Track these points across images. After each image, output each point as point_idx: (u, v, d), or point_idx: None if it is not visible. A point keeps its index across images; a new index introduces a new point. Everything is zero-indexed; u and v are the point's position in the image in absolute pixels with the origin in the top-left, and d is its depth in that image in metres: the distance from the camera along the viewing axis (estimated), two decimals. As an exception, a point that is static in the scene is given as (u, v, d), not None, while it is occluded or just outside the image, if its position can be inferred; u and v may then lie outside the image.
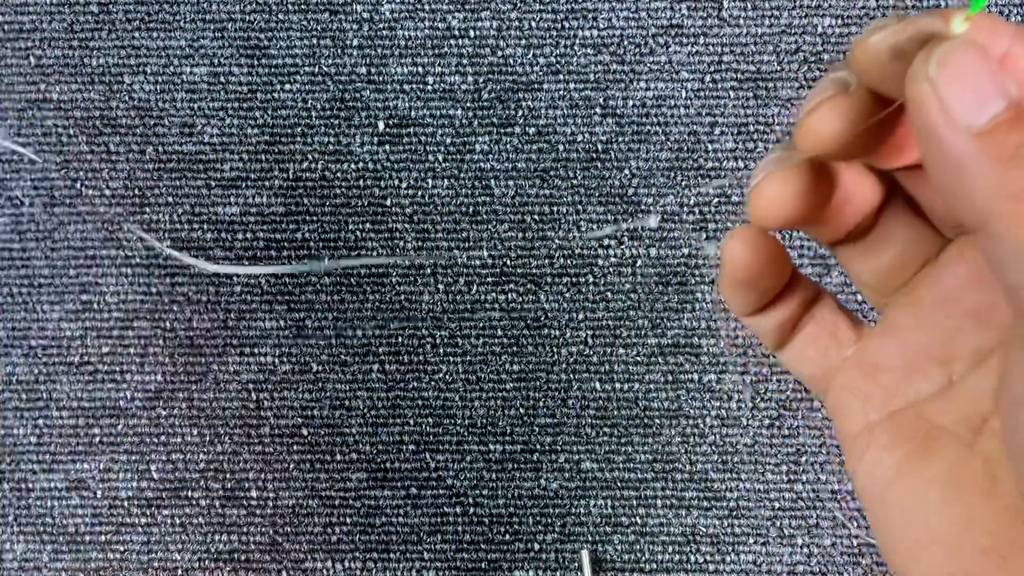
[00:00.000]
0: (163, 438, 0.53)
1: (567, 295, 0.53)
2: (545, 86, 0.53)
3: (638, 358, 0.53)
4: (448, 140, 0.53)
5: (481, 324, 0.53)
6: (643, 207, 0.53)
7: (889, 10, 0.52)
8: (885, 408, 0.26)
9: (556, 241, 0.53)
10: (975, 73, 0.21)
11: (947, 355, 0.26)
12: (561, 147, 0.53)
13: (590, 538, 0.53)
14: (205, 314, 0.53)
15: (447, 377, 0.53)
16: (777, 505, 0.52)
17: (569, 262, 0.53)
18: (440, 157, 0.53)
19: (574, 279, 0.53)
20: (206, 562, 0.53)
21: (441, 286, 0.53)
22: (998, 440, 0.23)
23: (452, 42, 0.53)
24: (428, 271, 0.53)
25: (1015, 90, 0.21)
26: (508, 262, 0.53)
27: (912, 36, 0.22)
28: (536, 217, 0.53)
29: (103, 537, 0.53)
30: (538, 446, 0.53)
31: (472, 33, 0.53)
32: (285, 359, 0.53)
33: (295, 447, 0.53)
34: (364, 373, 0.53)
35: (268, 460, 0.53)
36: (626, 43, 0.53)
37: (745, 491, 0.52)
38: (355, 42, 0.53)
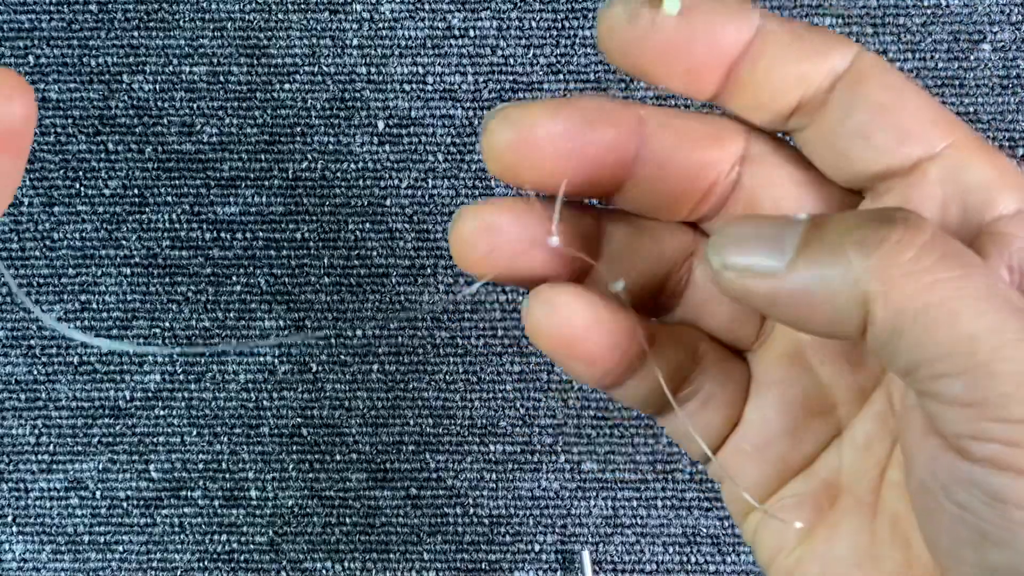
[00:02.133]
0: (162, 438, 0.53)
1: (567, 295, 0.53)
2: (545, 86, 0.53)
3: (638, 358, 0.53)
4: (448, 140, 0.53)
5: (481, 324, 0.53)
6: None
7: (889, 10, 0.52)
8: (778, 481, 0.24)
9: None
10: (751, 228, 0.20)
11: (827, 403, 0.23)
12: (561, 147, 0.53)
13: (590, 538, 0.53)
14: (204, 314, 0.53)
15: (447, 377, 0.53)
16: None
17: (569, 262, 0.53)
18: (440, 157, 0.53)
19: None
20: (205, 562, 0.53)
21: (441, 286, 0.53)
22: (902, 492, 0.21)
23: (452, 42, 0.53)
24: (428, 271, 0.53)
25: (804, 214, 0.20)
26: (508, 262, 0.53)
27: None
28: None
29: (102, 537, 0.53)
30: (538, 446, 0.53)
31: (472, 33, 0.53)
32: (285, 359, 0.53)
33: (295, 447, 0.53)
34: (364, 373, 0.53)
35: (267, 460, 0.53)
36: (626, 43, 0.53)
37: (745, 491, 0.53)
38: (355, 42, 0.53)
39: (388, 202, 0.53)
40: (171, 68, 0.53)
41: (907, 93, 0.21)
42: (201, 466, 0.53)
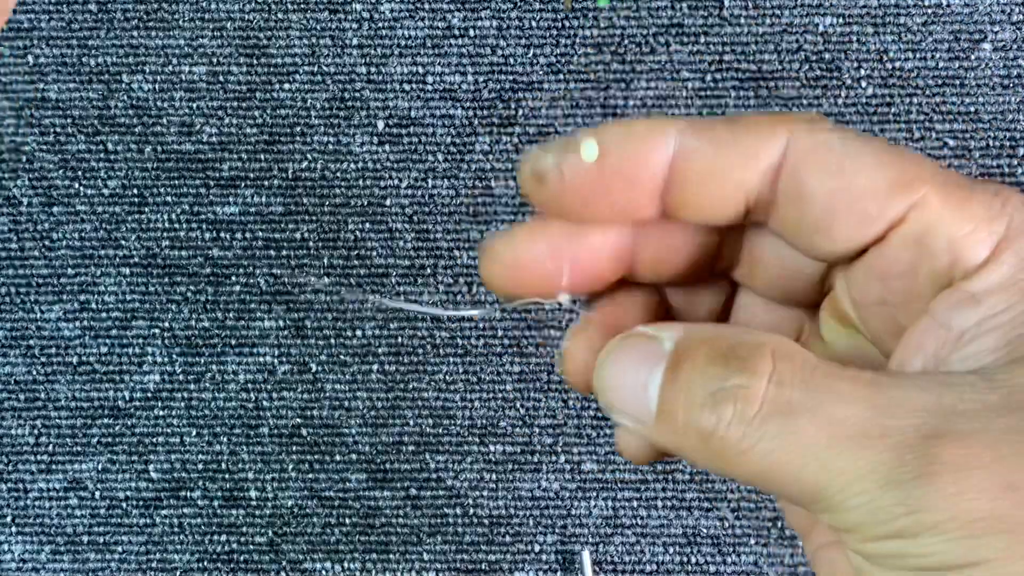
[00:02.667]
0: (161, 438, 0.53)
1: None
2: (545, 86, 0.53)
3: (639, 358, 0.53)
4: (448, 140, 0.53)
5: (481, 324, 0.53)
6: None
7: (890, 9, 0.52)
8: None
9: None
10: (621, 372, 0.21)
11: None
12: (561, 147, 0.53)
13: (591, 539, 0.53)
14: (203, 314, 0.53)
15: (447, 377, 0.53)
16: (778, 506, 0.52)
17: (569, 262, 0.53)
18: (440, 157, 0.53)
19: (574, 279, 0.53)
20: (204, 563, 0.53)
21: (441, 286, 0.53)
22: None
23: (452, 42, 0.53)
24: (428, 271, 0.53)
25: (669, 340, 0.21)
26: (508, 262, 0.53)
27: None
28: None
29: (101, 538, 0.53)
30: (538, 446, 0.53)
31: (472, 33, 0.53)
32: (284, 359, 0.53)
33: (294, 447, 0.53)
34: (364, 373, 0.53)
35: (267, 460, 0.53)
36: (627, 42, 0.53)
37: (746, 492, 0.52)
38: (355, 41, 0.53)
39: (388, 202, 0.53)
40: (171, 68, 0.53)
41: (854, 165, 0.21)
42: (200, 466, 0.53)
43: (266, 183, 0.53)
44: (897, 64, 0.52)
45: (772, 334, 0.20)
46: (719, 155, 0.21)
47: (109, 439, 0.53)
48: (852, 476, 0.18)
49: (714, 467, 0.20)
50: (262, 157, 0.53)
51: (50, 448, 0.53)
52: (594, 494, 0.53)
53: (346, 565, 0.53)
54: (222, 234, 0.53)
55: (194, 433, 0.53)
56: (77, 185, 0.53)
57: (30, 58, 0.54)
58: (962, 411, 0.18)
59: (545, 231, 0.23)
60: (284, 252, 0.53)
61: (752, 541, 0.52)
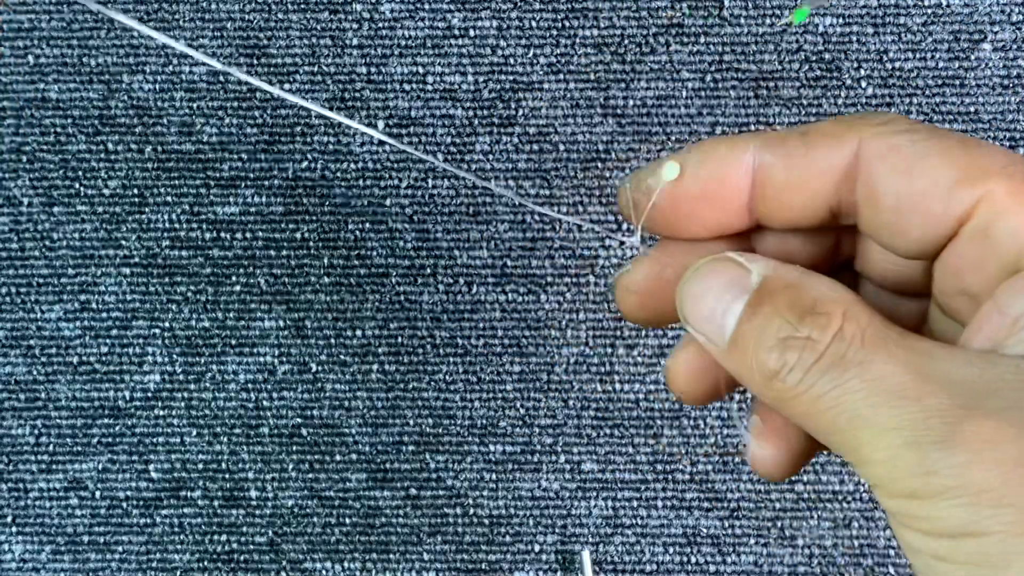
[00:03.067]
0: (162, 438, 0.53)
1: (567, 295, 0.53)
2: (545, 86, 0.53)
3: (639, 358, 0.53)
4: (448, 140, 0.53)
5: (481, 324, 0.53)
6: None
7: (890, 10, 0.52)
8: None
9: (556, 241, 0.53)
10: (706, 292, 0.23)
11: None
12: (561, 147, 0.53)
13: (591, 539, 0.53)
14: (204, 314, 0.53)
15: (447, 377, 0.53)
16: (778, 506, 0.52)
17: (569, 262, 0.53)
18: (440, 157, 0.53)
19: (574, 279, 0.53)
20: (205, 562, 0.53)
21: (441, 286, 0.53)
22: None
23: (452, 42, 0.53)
24: (428, 271, 0.53)
25: (757, 274, 0.22)
26: (508, 262, 0.53)
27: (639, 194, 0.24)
28: (536, 217, 0.53)
29: (102, 538, 0.53)
30: (538, 447, 0.53)
31: (472, 33, 0.53)
32: (284, 359, 0.53)
33: (294, 447, 0.53)
34: (364, 373, 0.53)
35: (267, 460, 0.53)
36: (627, 42, 0.53)
37: (746, 492, 0.52)
38: (355, 42, 0.53)
39: (388, 202, 0.53)
40: (171, 68, 0.53)
41: (921, 164, 0.22)
42: (201, 466, 0.53)
43: (266, 183, 0.53)
44: (897, 64, 0.52)
45: (849, 293, 0.21)
46: (794, 168, 0.23)
47: (109, 439, 0.53)
48: (880, 430, 0.19)
49: (769, 402, 0.22)
50: (262, 157, 0.53)
51: (50, 448, 0.53)
52: (594, 494, 0.53)
53: (346, 565, 0.53)
54: (222, 234, 0.53)
55: (194, 433, 0.53)
56: (77, 185, 0.53)
57: (30, 58, 0.54)
58: (997, 389, 0.19)
59: (664, 256, 0.25)
60: (284, 252, 0.53)
61: (752, 541, 0.52)
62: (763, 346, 0.21)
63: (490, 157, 0.53)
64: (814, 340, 0.20)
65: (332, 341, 0.53)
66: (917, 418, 0.19)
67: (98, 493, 0.53)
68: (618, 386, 0.53)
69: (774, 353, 0.21)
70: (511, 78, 0.53)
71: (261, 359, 0.53)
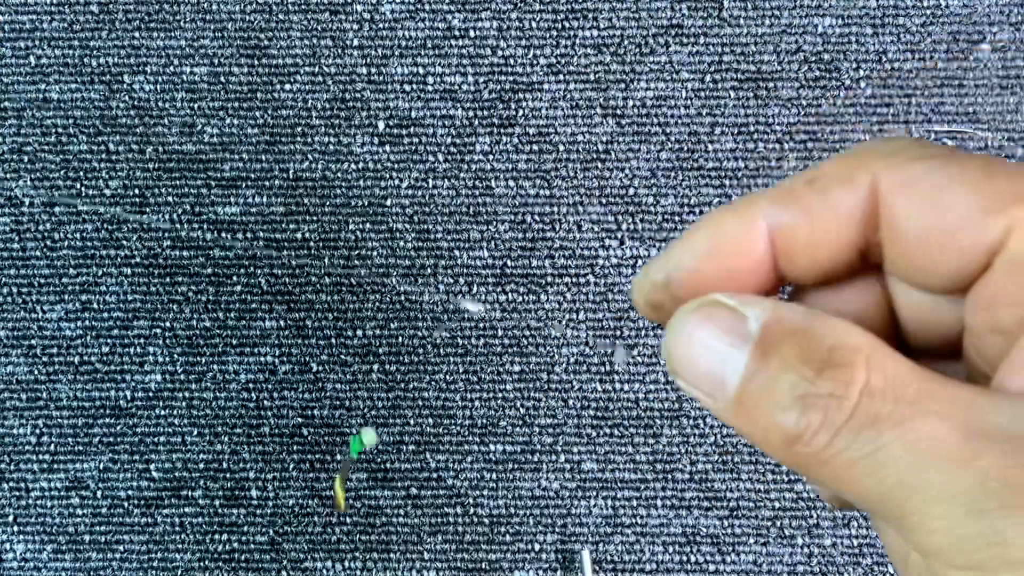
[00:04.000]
0: (163, 438, 0.53)
1: (567, 295, 0.53)
2: (545, 86, 0.53)
3: (639, 358, 0.53)
4: (448, 140, 0.53)
5: (481, 324, 0.53)
6: (643, 207, 0.53)
7: (889, 10, 0.52)
8: None
9: (556, 241, 0.53)
10: (697, 345, 0.20)
11: None
12: (561, 147, 0.53)
13: (590, 538, 0.53)
14: (205, 314, 0.53)
15: (447, 377, 0.53)
16: (778, 505, 0.52)
17: (569, 262, 0.53)
18: (440, 157, 0.53)
19: (574, 279, 0.53)
20: (206, 561, 0.53)
21: (441, 286, 0.53)
22: None
23: (452, 42, 0.53)
24: (428, 271, 0.53)
25: (755, 320, 0.20)
26: (508, 262, 0.53)
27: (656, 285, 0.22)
28: (536, 217, 0.53)
29: (103, 537, 0.53)
30: (538, 446, 0.53)
31: (472, 33, 0.53)
32: (285, 359, 0.53)
33: (295, 447, 0.53)
34: (364, 373, 0.53)
35: (268, 460, 0.53)
36: (626, 43, 0.53)
37: (745, 491, 0.53)
38: (355, 42, 0.53)
39: (388, 202, 0.53)
40: (172, 68, 0.53)
41: (943, 196, 0.20)
42: (202, 466, 0.53)
43: (267, 183, 0.53)
44: (896, 65, 0.52)
45: (866, 335, 0.19)
46: (811, 223, 0.21)
47: (111, 439, 0.53)
48: (934, 498, 0.18)
49: (790, 466, 0.19)
50: (263, 157, 0.53)
51: (52, 447, 0.54)
52: (594, 493, 0.53)
53: (347, 564, 0.53)
54: (223, 234, 0.53)
55: (195, 433, 0.53)
56: (79, 185, 0.53)
57: (31, 59, 0.54)
58: None
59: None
60: (285, 252, 0.53)
61: (751, 540, 0.52)
62: (778, 406, 0.19)
63: (490, 157, 0.53)
64: (838, 397, 0.18)
65: (333, 341, 0.53)
66: (973, 483, 0.17)
67: (99, 492, 0.53)
68: (617, 385, 0.53)
69: (792, 414, 0.19)
70: (511, 79, 0.53)
71: (262, 359, 0.53)
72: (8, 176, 0.54)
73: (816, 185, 0.21)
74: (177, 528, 0.53)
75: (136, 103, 0.53)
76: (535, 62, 0.53)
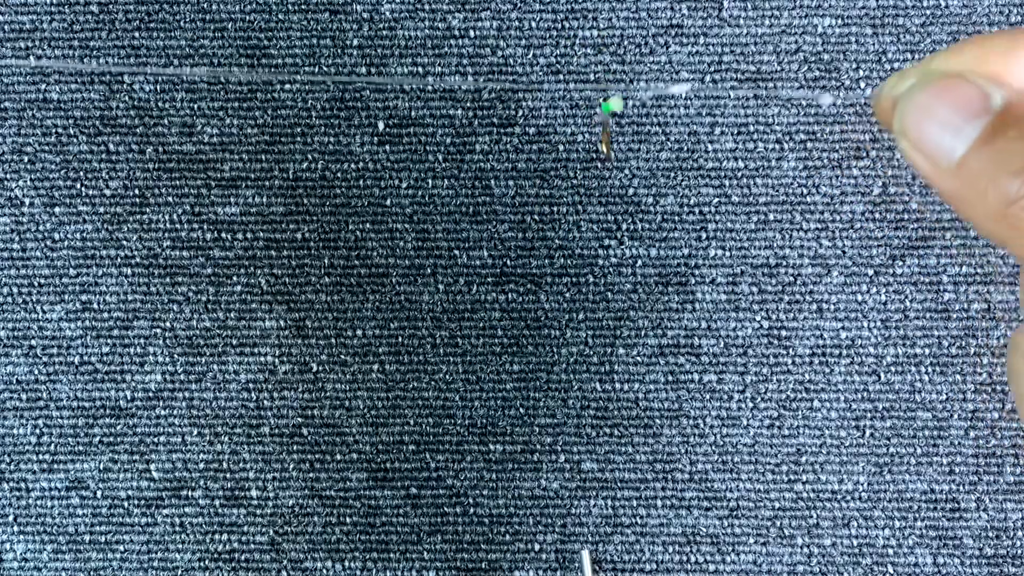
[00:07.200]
0: (163, 438, 0.53)
1: (567, 295, 0.53)
2: (545, 86, 0.53)
3: (638, 358, 0.53)
4: (448, 140, 0.53)
5: (481, 324, 0.53)
6: (643, 207, 0.53)
7: (889, 10, 0.52)
8: None
9: (556, 241, 0.53)
10: (935, 107, 0.21)
11: None
12: (561, 147, 0.53)
13: (590, 538, 0.53)
14: (205, 314, 0.53)
15: (447, 377, 0.53)
16: (777, 505, 0.52)
17: (569, 262, 0.53)
18: (440, 157, 0.53)
19: (574, 279, 0.53)
20: (206, 562, 0.53)
21: (441, 286, 0.53)
22: None
23: (452, 42, 0.53)
24: (428, 271, 0.53)
25: (1000, 97, 0.21)
26: (508, 262, 0.53)
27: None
28: (536, 217, 0.53)
29: (103, 537, 0.53)
30: (538, 446, 0.53)
31: (472, 33, 0.53)
32: (285, 359, 0.53)
33: (295, 447, 0.53)
34: (364, 373, 0.53)
35: (268, 460, 0.53)
36: (626, 43, 0.53)
37: (745, 491, 0.53)
38: (355, 42, 0.53)
39: (388, 202, 0.53)
40: (172, 69, 0.53)
41: None
42: (202, 466, 0.53)
43: (267, 183, 0.53)
44: (896, 65, 0.52)
45: None
46: None
47: (111, 439, 0.53)
48: None
49: (993, 233, 0.20)
50: (263, 158, 0.53)
51: (52, 447, 0.54)
52: (593, 493, 0.53)
53: (347, 564, 0.53)
54: (223, 234, 0.53)
55: (195, 433, 0.53)
56: (79, 185, 0.53)
57: (31, 59, 0.54)
58: None
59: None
60: (285, 252, 0.53)
61: (751, 540, 0.53)
62: (1004, 170, 0.20)
63: (490, 157, 0.53)
64: None
65: (333, 341, 0.53)
66: None
67: (99, 492, 0.53)
68: (617, 385, 0.53)
69: (1017, 180, 0.20)
70: (511, 78, 0.53)
71: (262, 359, 0.53)
72: (8, 176, 0.54)
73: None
74: (177, 528, 0.53)
75: (136, 103, 0.53)
76: (535, 62, 0.53)
